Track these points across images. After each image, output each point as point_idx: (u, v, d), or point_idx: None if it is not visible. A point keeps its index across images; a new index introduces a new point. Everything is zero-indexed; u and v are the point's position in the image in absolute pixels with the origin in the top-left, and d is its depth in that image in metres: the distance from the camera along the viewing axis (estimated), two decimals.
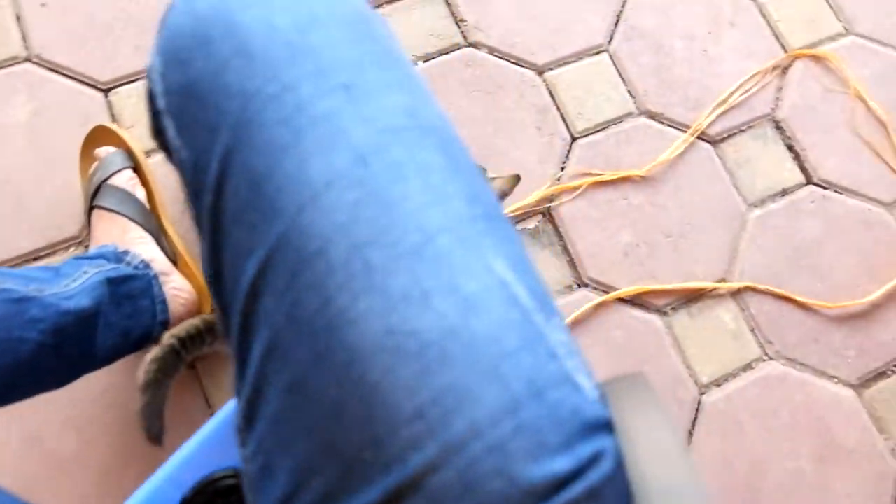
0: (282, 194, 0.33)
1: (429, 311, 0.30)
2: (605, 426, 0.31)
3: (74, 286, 0.66)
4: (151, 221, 0.85)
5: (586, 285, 0.98)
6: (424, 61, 1.06)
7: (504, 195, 0.88)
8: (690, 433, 0.93)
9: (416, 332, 0.30)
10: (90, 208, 0.86)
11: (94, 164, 0.88)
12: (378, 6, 1.08)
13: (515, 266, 0.33)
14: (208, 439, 0.53)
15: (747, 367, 0.97)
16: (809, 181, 1.07)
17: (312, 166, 0.33)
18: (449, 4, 1.10)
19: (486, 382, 0.30)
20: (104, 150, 0.89)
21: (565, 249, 1.00)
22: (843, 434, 0.95)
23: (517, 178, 0.88)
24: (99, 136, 0.91)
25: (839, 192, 1.07)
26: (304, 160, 0.33)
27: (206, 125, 0.36)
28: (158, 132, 0.41)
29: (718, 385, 0.96)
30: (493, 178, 0.87)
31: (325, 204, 0.32)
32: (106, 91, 1.00)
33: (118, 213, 0.83)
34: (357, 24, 0.38)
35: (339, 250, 0.31)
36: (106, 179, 0.85)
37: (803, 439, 0.94)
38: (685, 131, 1.06)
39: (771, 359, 0.98)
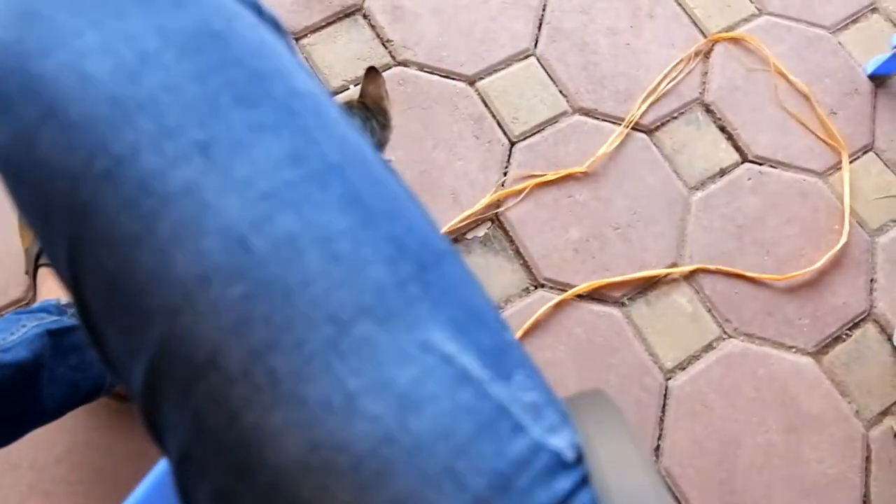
0: (147, 296, 0.27)
1: (357, 418, 0.25)
2: (583, 481, 0.27)
3: (12, 339, 0.64)
4: None
5: (542, 286, 0.99)
6: (355, 85, 1.06)
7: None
8: (661, 419, 0.94)
9: (347, 444, 0.25)
10: (35, 268, 0.83)
11: None
12: (300, 37, 1.08)
13: (461, 326, 0.28)
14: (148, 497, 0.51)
15: (708, 347, 0.98)
16: (745, 160, 1.10)
17: (177, 260, 0.26)
18: (373, 27, 1.10)
19: (438, 489, 0.25)
20: None
21: (518, 253, 1.00)
22: (807, 402, 0.97)
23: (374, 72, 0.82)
24: None
25: (774, 167, 1.10)
26: (165, 253, 0.26)
27: (35, 208, 0.29)
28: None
29: (683, 368, 0.97)
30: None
31: (204, 305, 0.26)
32: None
33: None
34: (206, 44, 0.28)
35: (233, 360, 0.26)
36: None
37: (770, 412, 0.96)
38: (619, 124, 1.08)
39: (730, 337, 0.99)
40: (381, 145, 0.88)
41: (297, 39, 1.08)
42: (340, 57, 1.07)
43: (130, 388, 0.29)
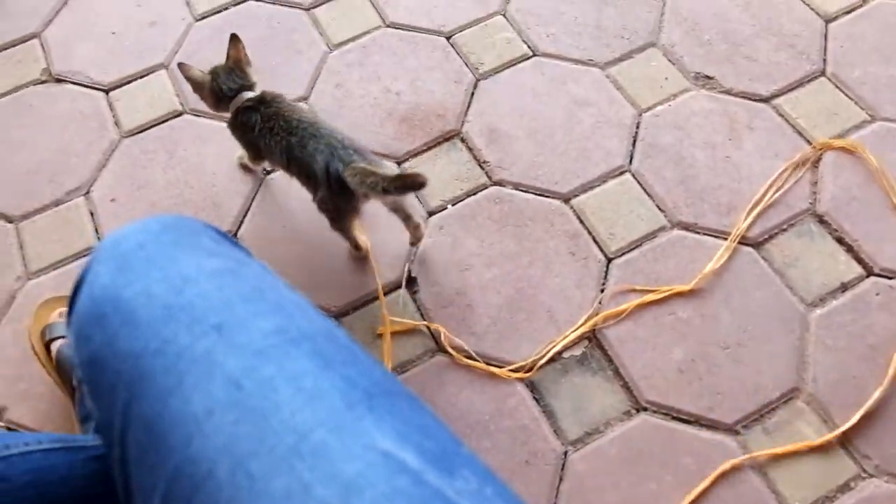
0: (172, 432, 0.37)
1: (311, 502, 0.33)
2: None
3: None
4: None
5: (645, 409, 0.93)
6: (453, 204, 1.10)
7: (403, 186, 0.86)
8: None
9: None
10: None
11: (58, 345, 0.94)
12: (403, 160, 1.15)
13: (403, 435, 0.36)
14: None
15: (844, 487, 0.87)
16: (870, 273, 1.01)
17: (194, 401, 0.37)
18: (471, 149, 1.16)
19: None
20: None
21: (617, 373, 0.96)
22: None
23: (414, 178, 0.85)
24: (42, 318, 0.98)
25: None
26: (187, 397, 0.38)
27: (108, 388, 0.42)
28: (81, 400, 0.48)
29: None
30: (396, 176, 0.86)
31: (208, 430, 0.36)
32: None
33: None
34: (224, 274, 0.45)
35: (223, 468, 0.35)
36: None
37: None
38: (724, 238, 1.04)
39: (870, 476, 0.87)
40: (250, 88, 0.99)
41: (399, 163, 1.15)
42: (439, 178, 1.13)
43: None
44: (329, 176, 0.89)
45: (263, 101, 0.97)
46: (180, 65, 1.02)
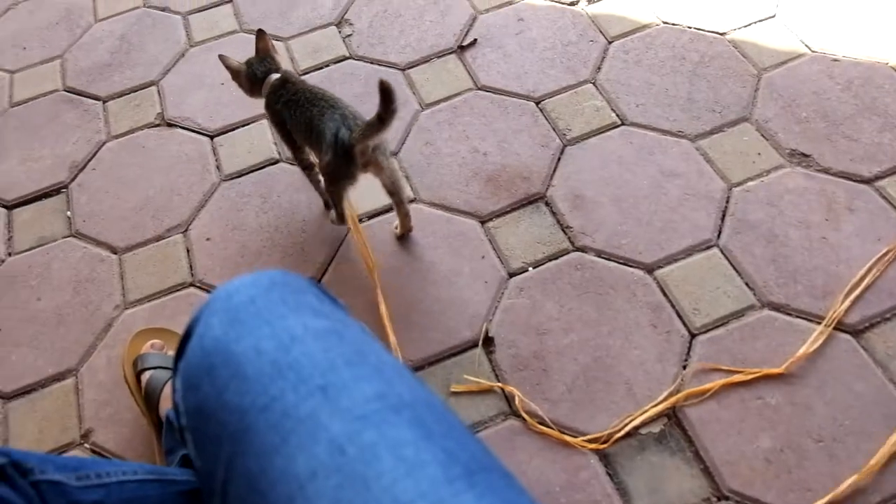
0: (274, 490, 0.38)
1: None
2: None
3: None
4: None
5: (727, 498, 0.88)
6: (534, 267, 1.10)
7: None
8: None
9: None
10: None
11: (148, 375, 0.98)
12: (486, 221, 1.16)
13: None
14: None
15: None
16: None
17: (298, 461, 0.38)
18: (554, 214, 1.16)
19: None
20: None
21: (697, 456, 0.91)
22: None
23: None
24: (136, 348, 1.03)
25: None
26: (292, 457, 0.39)
27: (212, 438, 0.44)
28: (184, 444, 0.49)
29: None
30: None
31: (311, 493, 0.37)
32: None
33: None
34: (330, 335, 0.47)
35: None
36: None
37: None
38: (819, 322, 0.99)
39: None
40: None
41: (482, 223, 1.16)
42: (521, 240, 1.13)
43: None
44: (336, 142, 0.99)
45: (288, 80, 1.09)
46: (220, 56, 1.14)
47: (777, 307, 1.02)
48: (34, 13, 1.66)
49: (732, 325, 1.01)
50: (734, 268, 1.07)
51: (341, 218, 1.12)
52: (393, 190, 1.08)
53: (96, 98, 1.45)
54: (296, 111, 1.05)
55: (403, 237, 1.16)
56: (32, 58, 1.56)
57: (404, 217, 1.13)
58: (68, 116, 1.43)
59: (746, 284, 1.05)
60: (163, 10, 1.61)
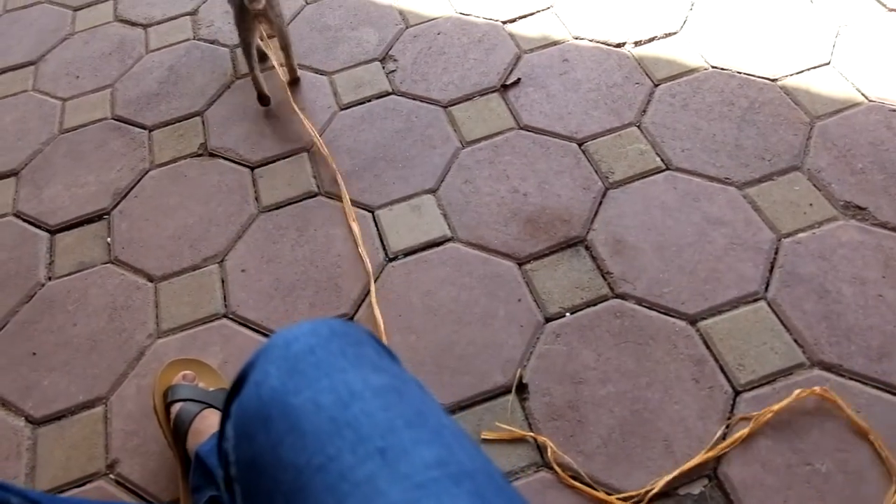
0: None
1: None
2: None
3: None
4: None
5: None
6: (572, 313, 1.07)
7: None
8: None
9: None
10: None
11: (177, 408, 0.97)
12: (524, 263, 1.14)
13: None
14: None
15: None
16: None
17: None
18: (594, 258, 1.13)
19: None
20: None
21: None
22: None
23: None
24: (167, 379, 1.02)
25: None
26: None
27: (265, 493, 0.43)
28: (229, 494, 0.48)
29: None
30: None
31: None
32: None
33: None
34: (389, 392, 0.45)
35: None
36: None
37: None
38: (875, 386, 0.94)
39: None
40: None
41: (520, 265, 1.14)
42: (559, 284, 1.11)
43: None
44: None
45: None
46: None
47: (828, 367, 0.97)
48: (89, 43, 1.72)
49: (779, 383, 0.96)
50: (782, 323, 1.02)
51: (249, 65, 1.41)
52: (283, 44, 1.43)
53: (143, 127, 1.48)
54: None
55: (293, 83, 1.49)
56: (84, 86, 1.60)
57: (290, 67, 1.47)
58: (115, 144, 1.46)
59: (795, 341, 1.00)
60: (211, 42, 1.65)
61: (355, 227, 1.21)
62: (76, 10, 1.83)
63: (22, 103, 1.60)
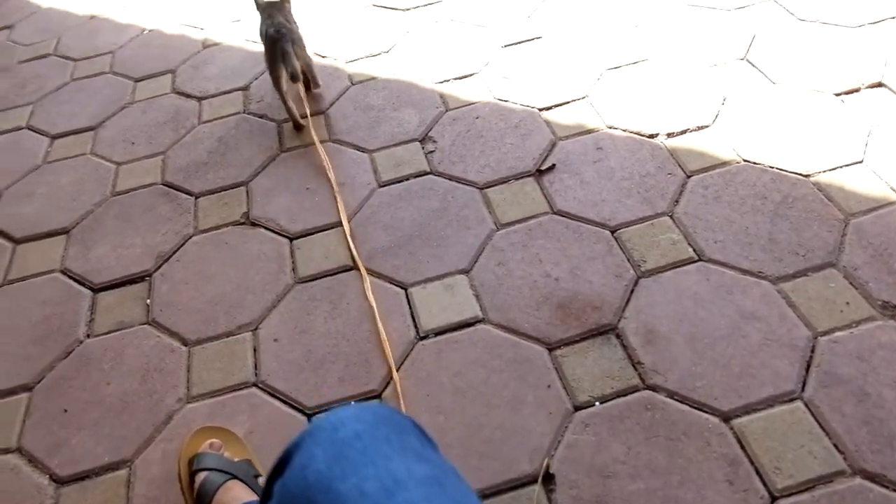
0: None
1: None
2: None
3: None
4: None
5: None
6: (602, 402, 1.06)
7: None
8: None
9: None
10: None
11: (202, 477, 0.97)
12: (554, 348, 1.14)
13: None
14: None
15: None
16: None
17: None
18: (625, 347, 1.12)
19: None
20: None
21: None
22: None
23: None
24: (194, 446, 1.02)
25: None
26: None
27: None
28: None
29: None
30: None
31: None
32: (309, 416, 1.11)
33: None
34: (432, 483, 0.46)
35: None
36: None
37: None
38: None
39: None
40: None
41: (550, 350, 1.14)
42: (589, 372, 1.10)
43: None
44: (266, 35, 1.58)
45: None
46: None
47: (871, 476, 0.93)
48: (146, 112, 1.82)
49: (819, 491, 0.93)
50: (821, 426, 0.99)
51: (280, 95, 1.62)
52: (306, 70, 1.68)
53: (190, 193, 1.55)
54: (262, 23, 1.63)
55: (313, 88, 1.75)
56: (138, 152, 1.69)
57: (312, 77, 1.73)
58: (162, 209, 1.52)
59: (835, 446, 0.97)
60: (260, 116, 1.74)
61: (373, 302, 1.23)
62: (137, 80, 1.95)
63: (80, 165, 1.68)
